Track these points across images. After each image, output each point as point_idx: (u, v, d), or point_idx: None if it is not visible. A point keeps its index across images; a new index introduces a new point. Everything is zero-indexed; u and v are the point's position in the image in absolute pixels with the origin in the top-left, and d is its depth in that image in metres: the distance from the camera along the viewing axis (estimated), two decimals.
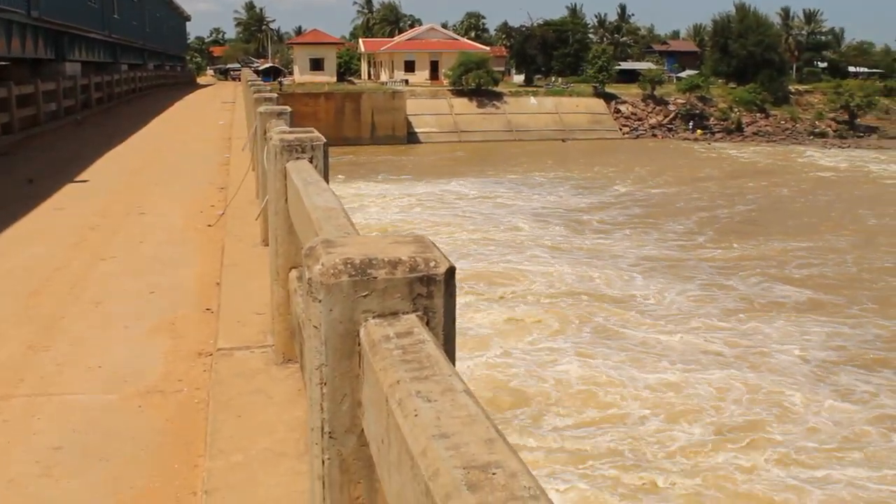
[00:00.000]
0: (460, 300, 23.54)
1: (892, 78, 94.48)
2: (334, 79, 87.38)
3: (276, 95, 11.30)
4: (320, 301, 1.95)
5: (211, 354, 5.94)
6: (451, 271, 1.97)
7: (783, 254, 31.44)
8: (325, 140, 5.11)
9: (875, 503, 13.26)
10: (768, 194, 47.36)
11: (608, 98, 79.57)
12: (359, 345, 1.94)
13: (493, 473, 1.22)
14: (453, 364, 1.93)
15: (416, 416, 1.44)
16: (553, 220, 38.15)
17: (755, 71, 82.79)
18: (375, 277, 1.93)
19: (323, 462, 2.04)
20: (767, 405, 17.04)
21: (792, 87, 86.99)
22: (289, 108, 7.97)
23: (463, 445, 1.31)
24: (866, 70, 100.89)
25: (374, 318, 1.93)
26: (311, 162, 4.99)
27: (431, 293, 1.95)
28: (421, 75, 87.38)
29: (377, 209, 39.68)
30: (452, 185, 48.64)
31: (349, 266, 1.94)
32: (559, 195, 46.07)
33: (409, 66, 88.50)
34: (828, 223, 38.03)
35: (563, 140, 72.67)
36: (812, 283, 27.06)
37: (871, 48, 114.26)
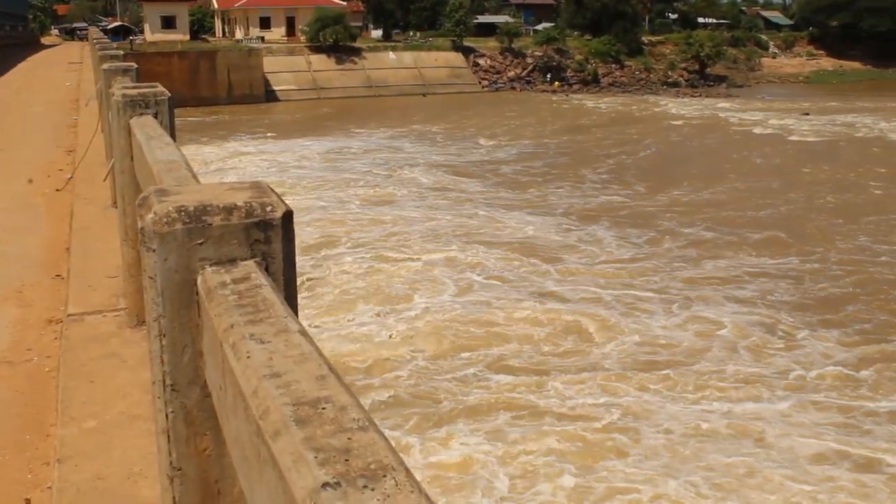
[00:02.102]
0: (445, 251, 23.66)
1: (738, 28, 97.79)
2: (188, 37, 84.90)
3: (122, 53, 10.91)
4: (154, 250, 1.90)
5: (61, 321, 5.75)
6: (288, 216, 1.95)
7: (724, 197, 32.20)
8: (169, 95, 4.97)
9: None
10: (659, 140, 48.24)
11: (466, 52, 79.85)
12: (197, 294, 1.90)
13: (323, 408, 1.21)
14: (295, 307, 1.91)
15: (248, 357, 1.42)
16: (475, 174, 37.80)
17: (609, 22, 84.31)
18: (210, 224, 1.89)
19: (167, 416, 2.00)
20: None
21: (645, 38, 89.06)
22: (134, 65, 7.71)
23: (294, 383, 1.30)
24: (714, 21, 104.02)
25: (211, 265, 1.89)
26: (156, 117, 4.85)
27: (269, 238, 1.92)
28: (277, 32, 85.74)
29: (260, 169, 38.17)
30: (343, 140, 47.80)
31: (183, 214, 1.89)
32: (460, 148, 45.74)
33: (265, 23, 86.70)
34: (730, 165, 39.41)
35: (424, 94, 72.69)
36: (765, 224, 27.71)
37: (719, 0, 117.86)
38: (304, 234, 24.47)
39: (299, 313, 1.78)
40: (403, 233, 26.10)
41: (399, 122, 56.04)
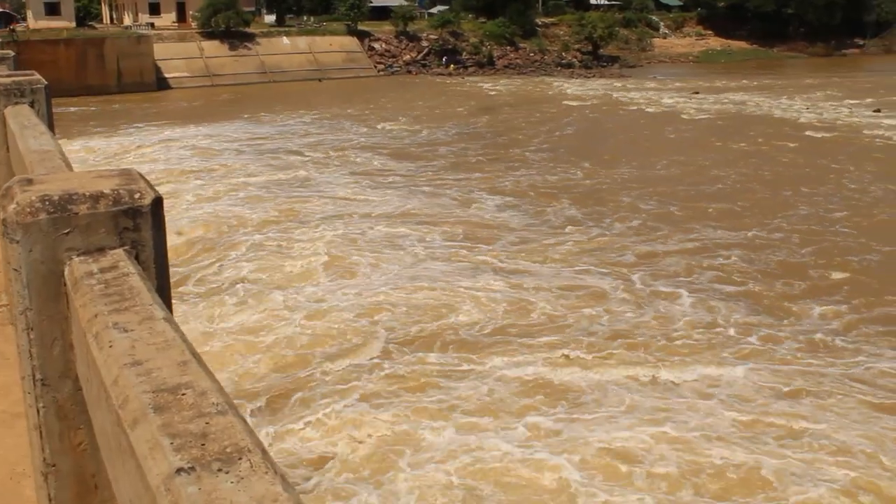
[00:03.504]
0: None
1: (629, 10, 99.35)
2: (73, 24, 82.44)
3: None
4: (18, 242, 1.85)
5: None
6: (157, 202, 1.91)
7: (675, 172, 32.97)
8: (46, 83, 4.83)
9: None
10: (576, 119, 48.84)
11: (361, 36, 79.44)
12: (65, 285, 1.86)
13: (183, 394, 1.20)
14: (168, 293, 1.89)
15: (110, 346, 1.40)
16: (419, 156, 37.48)
17: (503, 5, 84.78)
18: (77, 213, 1.85)
19: (38, 411, 1.96)
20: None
21: (539, 20, 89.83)
22: (11, 53, 7.46)
23: (155, 370, 1.28)
24: (606, 2, 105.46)
25: (78, 255, 1.85)
26: (32, 107, 4.70)
27: (138, 226, 1.88)
28: (167, 18, 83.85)
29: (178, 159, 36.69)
30: (262, 126, 46.98)
31: (47, 203, 1.85)
32: (387, 132, 45.23)
33: (154, 9, 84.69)
34: (651, 141, 40.46)
35: (320, 80, 72.08)
36: (717, 197, 28.51)
37: None
38: (265, 214, 25.64)
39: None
40: (367, 214, 26.27)
41: (308, 106, 55.42)
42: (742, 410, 13.60)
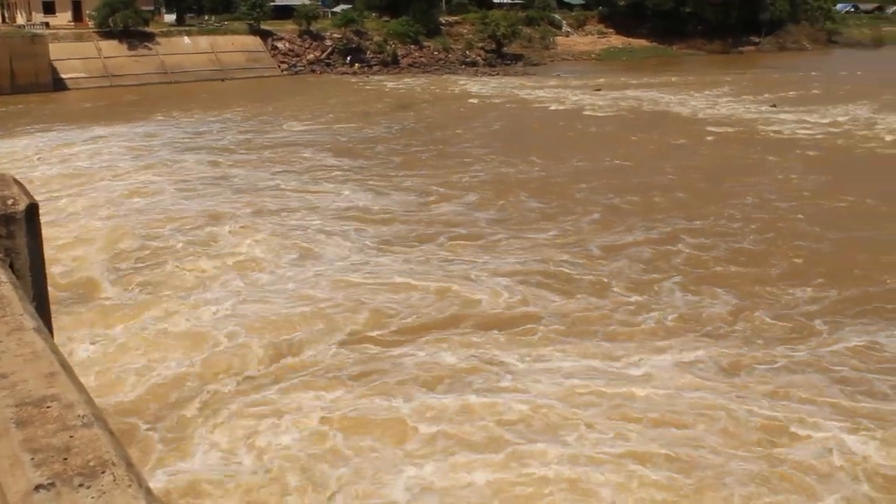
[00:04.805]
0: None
1: (532, 8, 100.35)
2: None
3: None
4: None
5: None
6: (32, 208, 1.86)
7: (622, 164, 33.87)
8: None
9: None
10: (499, 116, 49.29)
11: (264, 35, 78.59)
12: None
13: (48, 407, 1.17)
14: (46, 302, 1.83)
15: None
16: (363, 154, 37.16)
17: (407, 3, 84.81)
18: None
19: None
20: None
21: (443, 19, 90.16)
22: None
23: (21, 383, 1.24)
24: (509, 1, 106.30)
25: None
26: None
27: (12, 233, 1.83)
28: (63, 17, 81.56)
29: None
30: (183, 126, 45.79)
31: None
32: (321, 131, 44.53)
33: (49, 8, 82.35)
34: (579, 140, 41.21)
35: (223, 80, 71.07)
36: (668, 187, 29.30)
37: None
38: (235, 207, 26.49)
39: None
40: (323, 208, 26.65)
41: (222, 106, 54.44)
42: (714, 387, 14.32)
